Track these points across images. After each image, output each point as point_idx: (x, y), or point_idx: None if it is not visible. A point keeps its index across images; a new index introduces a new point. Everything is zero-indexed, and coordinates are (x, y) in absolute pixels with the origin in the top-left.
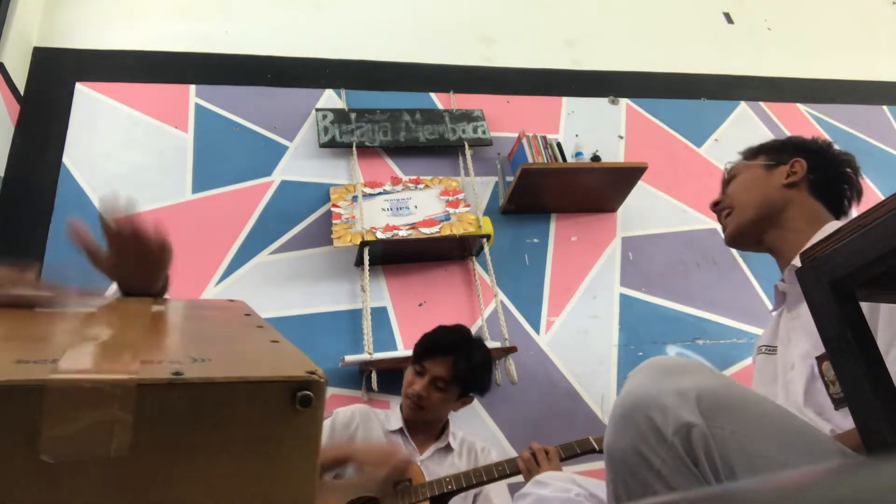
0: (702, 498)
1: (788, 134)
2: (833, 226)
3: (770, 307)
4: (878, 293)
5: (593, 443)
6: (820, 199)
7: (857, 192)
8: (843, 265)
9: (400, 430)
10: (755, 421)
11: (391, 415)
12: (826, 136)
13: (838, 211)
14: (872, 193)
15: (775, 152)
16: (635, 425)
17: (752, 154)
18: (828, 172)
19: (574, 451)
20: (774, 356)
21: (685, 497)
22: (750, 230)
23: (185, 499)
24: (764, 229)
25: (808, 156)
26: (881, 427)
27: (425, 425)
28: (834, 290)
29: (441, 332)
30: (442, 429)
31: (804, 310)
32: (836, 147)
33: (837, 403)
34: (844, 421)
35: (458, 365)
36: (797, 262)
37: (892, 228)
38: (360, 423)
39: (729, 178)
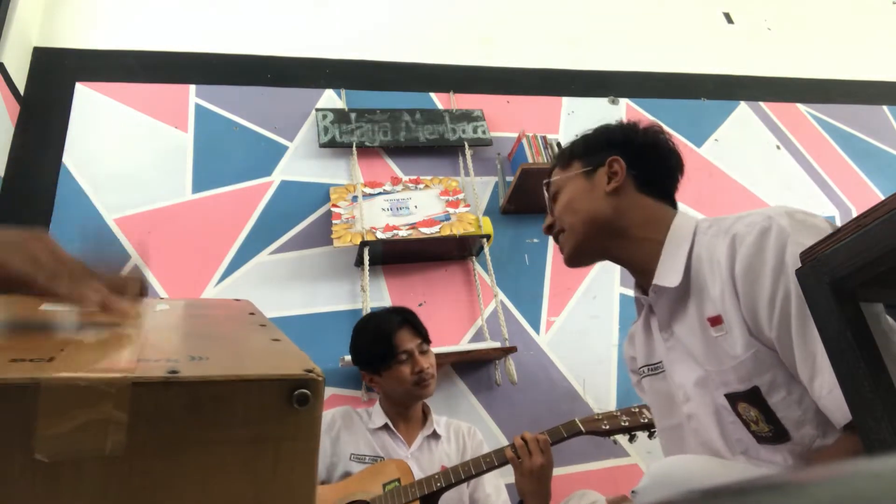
0: (701, 498)
1: (787, 131)
2: (683, 220)
3: None
4: (878, 293)
5: (579, 425)
6: (651, 194)
7: (680, 166)
8: (843, 265)
9: (385, 427)
10: None
11: (373, 413)
12: (658, 123)
13: (671, 199)
14: (873, 193)
15: (588, 154)
16: None
17: (565, 161)
18: (648, 162)
19: (561, 436)
20: (661, 376)
21: (685, 497)
22: (587, 250)
23: (182, 498)
24: (603, 244)
25: (623, 150)
26: (881, 427)
27: (408, 414)
28: (834, 290)
29: (375, 322)
30: (424, 415)
31: (680, 331)
32: (643, 124)
33: (761, 440)
34: (774, 455)
35: (415, 325)
36: (660, 280)
37: (892, 228)
38: (341, 425)
39: (552, 196)
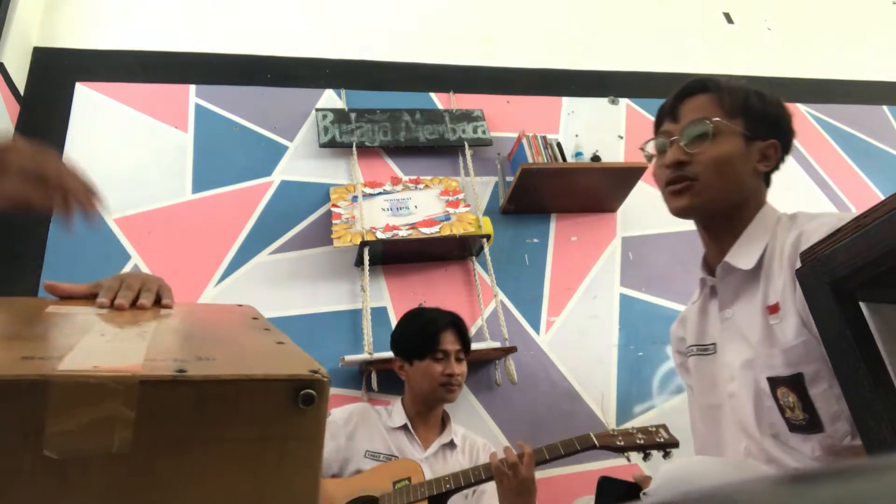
0: (702, 498)
1: None
2: (769, 210)
3: None
4: (878, 293)
5: (594, 439)
6: (767, 184)
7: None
8: (843, 265)
9: (404, 427)
10: None
11: (393, 412)
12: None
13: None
14: (872, 193)
15: (756, 121)
16: None
17: (730, 109)
18: (784, 155)
19: (574, 448)
20: (710, 357)
21: (685, 497)
22: (712, 210)
23: (188, 495)
24: (722, 213)
25: (781, 136)
26: (881, 427)
27: (429, 418)
28: (834, 290)
29: (435, 316)
30: (443, 422)
31: (739, 313)
32: (788, 109)
33: (793, 428)
34: (803, 444)
35: (461, 330)
36: (732, 259)
37: (892, 228)
38: (358, 421)
39: (700, 135)
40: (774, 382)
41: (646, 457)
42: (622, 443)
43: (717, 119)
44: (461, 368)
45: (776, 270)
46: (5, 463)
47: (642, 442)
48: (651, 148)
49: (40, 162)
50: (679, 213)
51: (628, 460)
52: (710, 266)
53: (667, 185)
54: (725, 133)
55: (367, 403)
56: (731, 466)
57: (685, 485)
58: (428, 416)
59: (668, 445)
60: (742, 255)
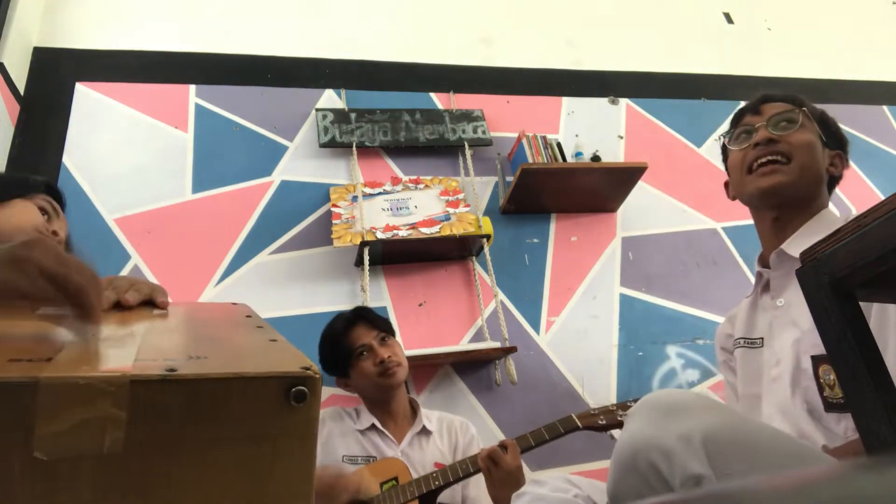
0: (702, 498)
1: None
2: (828, 213)
3: None
4: (878, 293)
5: (576, 420)
6: (830, 191)
7: None
8: (843, 265)
9: (372, 427)
10: (766, 461)
11: (361, 414)
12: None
13: None
14: (872, 193)
15: (828, 132)
16: (638, 473)
17: (811, 114)
18: (842, 172)
19: (558, 432)
20: (757, 350)
21: (685, 497)
22: (796, 192)
23: (180, 496)
24: (803, 198)
25: (847, 157)
26: (881, 427)
27: (394, 409)
28: (834, 290)
29: (331, 330)
30: (413, 411)
31: (792, 298)
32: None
33: (830, 406)
34: (836, 424)
35: (370, 318)
36: (788, 248)
37: (892, 228)
38: (331, 426)
39: (788, 121)
40: (818, 360)
41: None
42: (604, 421)
43: (804, 109)
44: (391, 350)
45: None
46: None
47: (623, 418)
48: (729, 142)
49: (64, 271)
50: (769, 191)
51: (612, 437)
52: (765, 261)
53: (757, 166)
54: (808, 126)
55: (338, 407)
56: (714, 402)
57: (661, 405)
58: (392, 410)
59: None
60: (799, 247)
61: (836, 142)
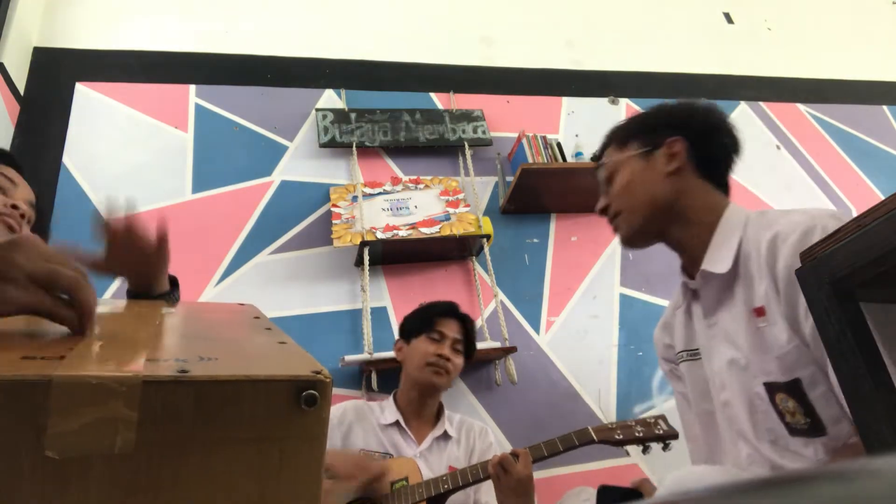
0: (701, 498)
1: (787, 131)
2: (735, 210)
3: None
4: (878, 293)
5: (592, 433)
6: (709, 179)
7: (739, 150)
8: (843, 265)
9: (396, 423)
10: None
11: (385, 408)
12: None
13: (726, 185)
14: (873, 193)
15: (647, 133)
16: None
17: (621, 141)
18: (709, 145)
19: (572, 443)
20: (699, 362)
21: (685, 497)
22: (645, 232)
23: (189, 497)
24: (661, 227)
25: (685, 130)
26: (881, 427)
27: (422, 410)
28: (834, 290)
29: (440, 302)
30: (437, 414)
31: (724, 318)
32: (703, 104)
33: (794, 432)
34: (805, 448)
35: (467, 325)
36: (709, 265)
37: (892, 228)
38: (353, 420)
39: (607, 177)
40: (772, 388)
41: (645, 449)
42: (621, 436)
43: (608, 160)
44: (455, 357)
45: (755, 273)
46: (6, 464)
47: (641, 434)
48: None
49: (52, 269)
50: (627, 245)
51: (627, 453)
52: (688, 272)
53: (613, 228)
54: (620, 164)
55: (361, 400)
56: (735, 476)
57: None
58: (421, 408)
59: (668, 437)
60: (717, 260)
61: (667, 131)
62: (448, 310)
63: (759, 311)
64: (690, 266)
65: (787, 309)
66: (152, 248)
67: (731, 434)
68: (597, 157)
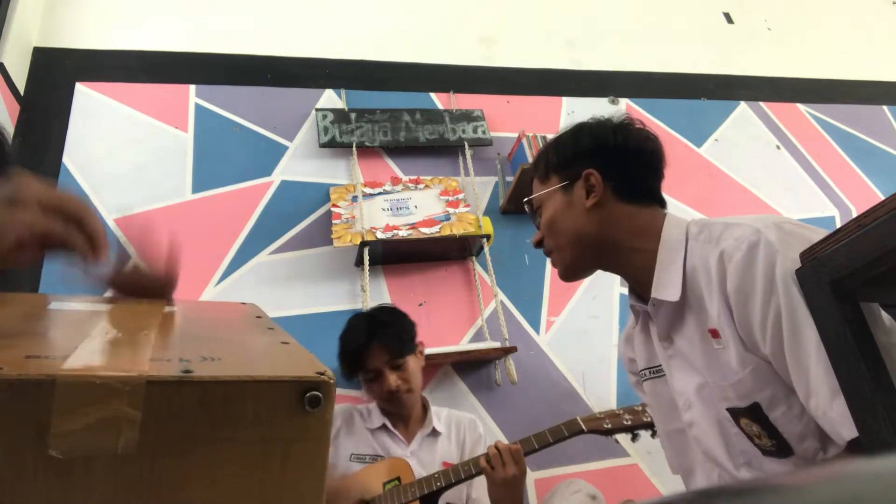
0: (700, 498)
1: (787, 131)
2: (672, 225)
3: None
4: (878, 293)
5: (581, 424)
6: (634, 200)
7: (661, 158)
8: (843, 265)
9: (382, 427)
10: None
11: (372, 412)
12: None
13: (658, 198)
14: (872, 193)
15: (563, 167)
16: None
17: (542, 174)
18: (625, 167)
19: (562, 434)
20: (663, 379)
21: (685, 497)
22: (580, 266)
23: (192, 497)
24: (595, 259)
25: (596, 159)
26: (881, 427)
27: (406, 414)
28: (834, 290)
29: (352, 333)
30: (424, 411)
31: (680, 342)
32: (614, 122)
33: (766, 453)
34: (777, 467)
35: (385, 339)
36: (657, 293)
37: (892, 228)
38: (340, 424)
39: (535, 210)
40: (735, 413)
41: (634, 437)
42: (609, 425)
43: (535, 193)
44: (403, 376)
45: (705, 293)
46: (9, 463)
47: (629, 423)
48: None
49: (62, 195)
50: (566, 279)
51: (617, 442)
52: (637, 294)
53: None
54: (544, 200)
55: (349, 404)
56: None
57: None
58: (405, 413)
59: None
60: (666, 286)
61: (581, 164)
62: (362, 341)
63: (714, 333)
64: (639, 289)
65: (741, 329)
66: (161, 281)
67: (699, 454)
68: (524, 205)
